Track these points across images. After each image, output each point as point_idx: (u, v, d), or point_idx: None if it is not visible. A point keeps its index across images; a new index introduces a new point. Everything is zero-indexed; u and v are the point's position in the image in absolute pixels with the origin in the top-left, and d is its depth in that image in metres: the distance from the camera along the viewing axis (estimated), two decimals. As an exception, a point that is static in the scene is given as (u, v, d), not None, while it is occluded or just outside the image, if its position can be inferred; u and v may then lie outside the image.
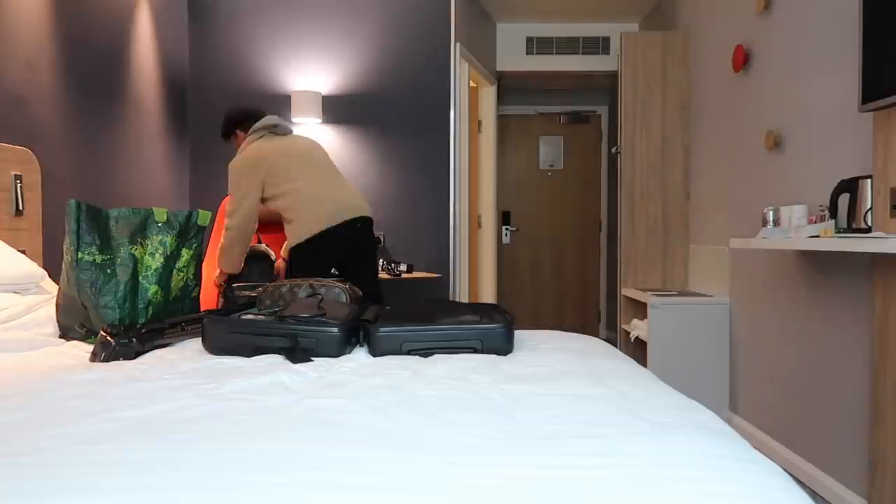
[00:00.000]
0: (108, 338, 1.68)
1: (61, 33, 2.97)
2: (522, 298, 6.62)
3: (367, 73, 4.34)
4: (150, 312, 2.00)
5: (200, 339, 1.77)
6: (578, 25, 5.29)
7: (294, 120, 4.21)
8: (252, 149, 2.80)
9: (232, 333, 1.72)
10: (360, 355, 1.72)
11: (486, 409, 1.18)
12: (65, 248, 1.94)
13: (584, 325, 6.61)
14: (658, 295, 3.60)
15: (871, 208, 2.11)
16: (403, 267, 4.00)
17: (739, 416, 3.37)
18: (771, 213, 2.66)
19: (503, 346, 1.73)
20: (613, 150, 6.04)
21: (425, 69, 4.34)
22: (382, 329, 1.72)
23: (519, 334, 2.03)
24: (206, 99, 4.35)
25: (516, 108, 6.66)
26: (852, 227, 2.19)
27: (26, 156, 2.61)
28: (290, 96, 4.29)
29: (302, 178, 2.76)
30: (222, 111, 4.32)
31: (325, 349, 1.69)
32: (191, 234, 2.14)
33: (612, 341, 5.96)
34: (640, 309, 4.00)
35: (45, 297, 2.12)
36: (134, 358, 1.67)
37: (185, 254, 2.13)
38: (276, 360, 1.62)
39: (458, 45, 4.36)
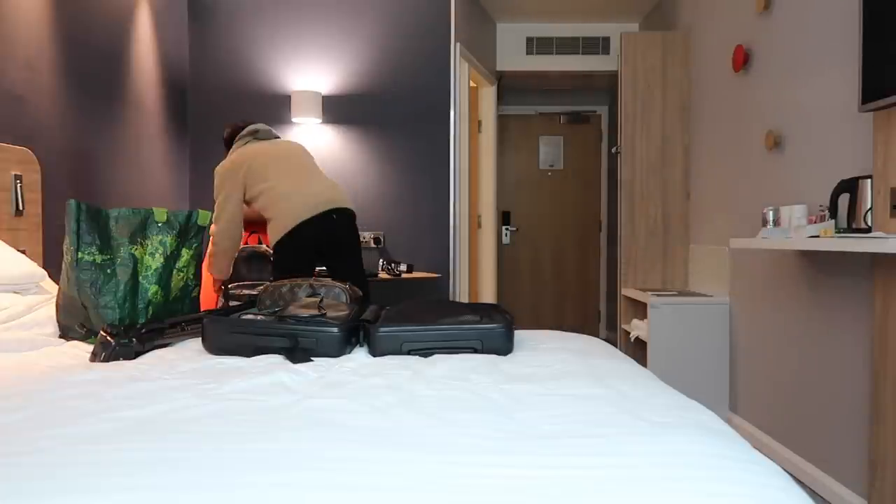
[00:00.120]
0: (108, 338, 1.68)
1: (61, 33, 2.97)
2: (522, 298, 6.62)
3: (367, 73, 4.34)
4: (150, 312, 2.00)
5: (200, 339, 1.77)
6: (578, 25, 5.29)
7: (294, 120, 4.21)
8: (234, 154, 2.88)
9: (232, 333, 1.72)
10: (360, 355, 1.72)
11: (486, 409, 1.18)
12: (65, 248, 1.94)
13: (584, 325, 6.61)
14: (658, 295, 3.60)
15: (871, 208, 2.11)
16: (403, 267, 4.00)
17: (739, 416, 3.37)
18: (771, 213, 2.66)
19: (503, 346, 1.73)
20: (613, 150, 6.04)
21: (425, 69, 4.34)
22: (382, 329, 1.72)
23: (519, 334, 2.03)
24: (206, 99, 4.35)
25: (516, 108, 6.66)
26: (852, 227, 2.19)
27: (26, 156, 2.61)
28: (290, 96, 4.29)
29: (276, 177, 2.78)
30: (222, 111, 4.33)
31: (325, 349, 1.69)
32: (191, 234, 2.14)
33: (612, 341, 5.96)
34: (640, 309, 4.01)
35: (45, 297, 2.12)
36: (134, 358, 1.67)
37: (185, 254, 2.13)
38: (276, 360, 1.62)
39: (458, 45, 4.36)
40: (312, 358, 1.65)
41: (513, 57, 5.34)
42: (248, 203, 2.86)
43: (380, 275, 3.99)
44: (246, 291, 2.95)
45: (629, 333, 4.01)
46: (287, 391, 1.33)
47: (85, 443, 0.98)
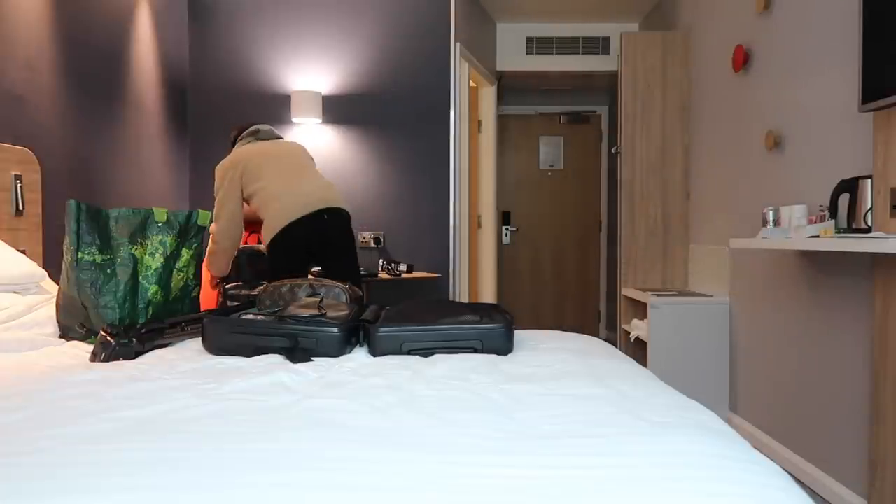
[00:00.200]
0: (108, 338, 1.68)
1: (61, 33, 2.97)
2: (522, 298, 6.62)
3: (367, 73, 4.34)
4: (150, 312, 2.00)
5: (200, 339, 1.77)
6: (578, 25, 5.29)
7: (294, 120, 4.21)
8: (233, 153, 2.90)
9: (232, 333, 1.72)
10: (360, 355, 1.72)
11: (486, 409, 1.18)
12: (65, 248, 1.94)
13: (584, 325, 6.61)
14: (658, 295, 3.60)
15: (871, 208, 2.11)
16: (403, 267, 4.00)
17: (739, 416, 3.37)
18: (771, 213, 2.66)
19: (503, 346, 1.73)
20: (613, 150, 6.04)
21: (425, 69, 4.34)
22: (382, 329, 1.72)
23: (519, 334, 2.03)
24: (206, 99, 4.35)
25: (516, 108, 6.66)
26: (852, 227, 2.19)
27: (26, 156, 2.61)
28: (290, 96, 4.29)
29: (268, 177, 2.79)
30: (222, 111, 4.33)
31: (325, 349, 1.69)
32: (191, 234, 2.14)
33: (612, 341, 5.96)
34: (640, 309, 4.01)
35: (45, 297, 2.12)
36: (134, 358, 1.67)
37: (185, 254, 2.13)
38: (276, 360, 1.62)
39: (458, 45, 4.36)
40: (312, 358, 1.65)
41: (513, 57, 5.34)
42: (246, 201, 2.87)
43: (380, 275, 3.99)
44: (245, 291, 2.95)
45: (629, 333, 4.01)
46: (287, 391, 1.33)
47: (85, 443, 0.98)
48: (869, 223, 2.13)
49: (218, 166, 2.86)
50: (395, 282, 4.24)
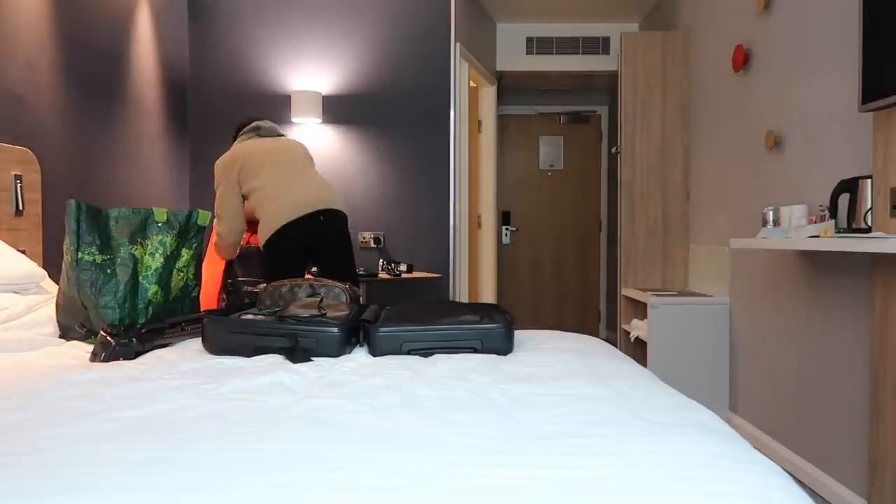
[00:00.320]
0: (108, 338, 1.68)
1: (61, 33, 2.97)
2: (522, 298, 6.62)
3: (367, 73, 4.34)
4: (150, 312, 2.00)
5: (200, 339, 1.77)
6: (578, 25, 5.29)
7: (294, 120, 4.21)
8: (233, 149, 2.90)
9: (232, 333, 1.72)
10: (360, 355, 1.72)
11: (486, 409, 1.18)
12: (65, 248, 1.94)
13: (584, 325, 6.61)
14: (658, 295, 3.60)
15: (871, 208, 2.11)
16: (403, 267, 4.00)
17: (739, 416, 3.37)
18: (771, 213, 2.66)
19: (503, 346, 1.73)
20: (613, 150, 6.04)
21: (425, 69, 4.34)
22: (382, 329, 1.72)
23: (519, 334, 2.03)
24: (206, 99, 4.35)
25: (516, 108, 6.66)
26: (852, 227, 2.19)
27: (26, 156, 2.61)
28: (290, 96, 4.29)
29: (265, 176, 2.79)
30: (222, 111, 4.33)
31: (325, 349, 1.69)
32: (191, 234, 2.14)
33: (612, 341, 5.96)
34: (640, 309, 4.00)
35: (45, 297, 2.12)
36: (134, 358, 1.67)
37: (185, 254, 2.13)
38: (276, 360, 1.62)
39: (458, 45, 4.36)
40: (312, 358, 1.65)
41: (513, 57, 5.34)
42: (244, 198, 2.87)
43: (380, 275, 3.99)
44: (248, 288, 2.95)
45: (629, 333, 4.01)
46: (287, 391, 1.33)
47: (85, 443, 0.98)
48: (869, 223, 2.13)
49: (217, 161, 2.87)
50: (395, 282, 4.23)
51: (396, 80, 4.34)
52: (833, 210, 2.27)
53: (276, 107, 4.32)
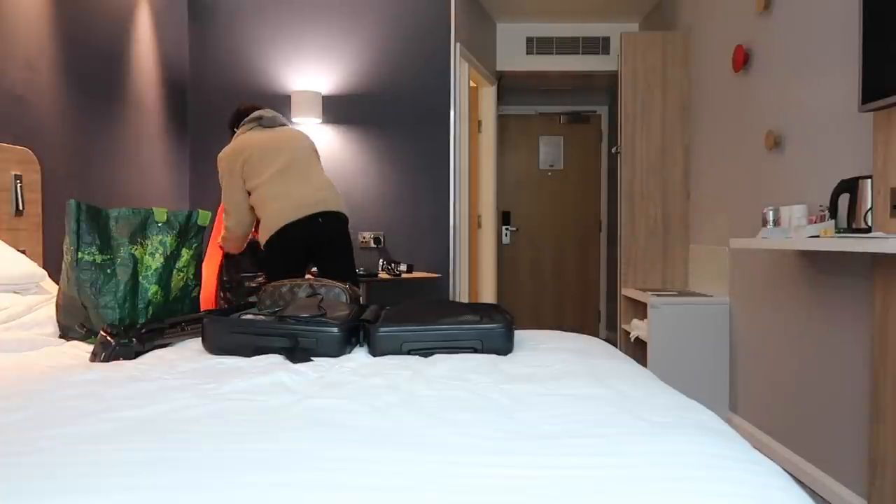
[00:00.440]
0: (108, 338, 1.68)
1: (61, 33, 2.97)
2: (522, 298, 6.62)
3: (367, 73, 4.34)
4: (150, 312, 2.00)
5: (200, 339, 1.77)
6: (578, 25, 5.29)
7: (294, 120, 4.21)
8: (234, 142, 2.87)
9: (232, 333, 1.72)
10: (360, 355, 1.72)
11: (486, 409, 1.18)
12: (65, 248, 1.94)
13: (584, 325, 6.61)
14: (658, 295, 3.60)
15: (871, 208, 2.11)
16: (403, 267, 4.00)
17: (739, 416, 3.37)
18: (771, 213, 2.66)
19: (503, 346, 1.73)
20: (613, 150, 6.04)
21: (425, 69, 4.34)
22: (382, 329, 1.72)
23: (519, 334, 2.03)
24: (206, 99, 4.35)
25: (516, 108, 6.66)
26: (852, 227, 2.19)
27: (26, 156, 2.61)
28: (290, 96, 4.29)
29: (268, 173, 2.77)
30: (222, 111, 4.33)
31: (325, 349, 1.69)
32: (191, 234, 2.15)
33: (612, 341, 5.96)
34: (640, 309, 4.00)
35: (45, 297, 2.12)
36: (134, 358, 1.67)
37: (185, 254, 2.13)
38: (276, 360, 1.62)
39: (458, 45, 4.36)
40: (312, 358, 1.65)
41: (513, 57, 5.34)
42: (248, 193, 2.86)
43: (380, 275, 3.99)
44: (247, 284, 2.96)
45: (629, 333, 4.01)
46: (287, 391, 1.33)
47: (85, 443, 0.98)
48: (869, 223, 2.13)
49: (220, 155, 2.85)
50: (395, 282, 4.23)
51: (396, 80, 4.34)
52: (833, 210, 2.27)
53: (276, 107, 4.32)
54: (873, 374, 2.09)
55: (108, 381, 1.39)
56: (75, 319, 1.96)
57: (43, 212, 2.75)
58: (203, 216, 2.17)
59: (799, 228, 2.43)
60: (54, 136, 2.92)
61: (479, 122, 5.28)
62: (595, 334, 6.55)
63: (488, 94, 5.28)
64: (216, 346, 1.73)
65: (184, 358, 1.67)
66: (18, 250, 2.42)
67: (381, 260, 4.14)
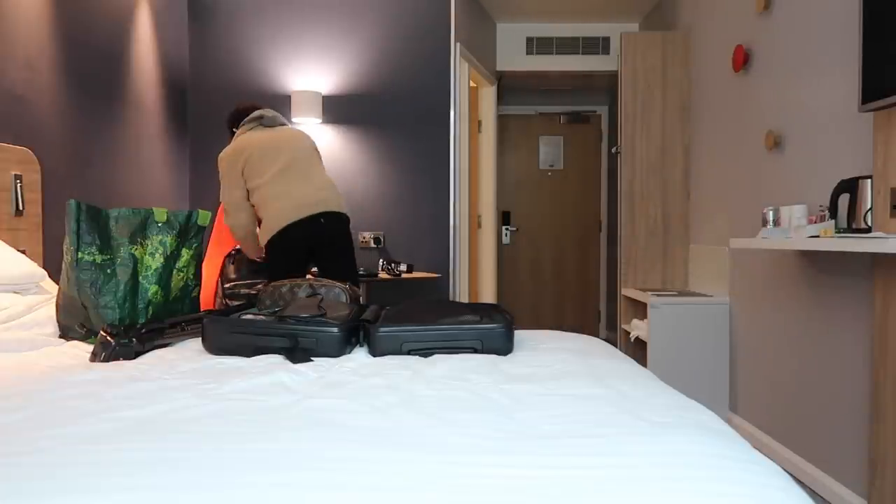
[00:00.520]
0: (108, 338, 1.68)
1: (61, 33, 2.97)
2: (522, 298, 6.62)
3: (367, 73, 4.34)
4: (150, 312, 2.00)
5: (200, 339, 1.77)
6: (578, 25, 5.29)
7: (294, 120, 4.21)
8: (235, 142, 2.86)
9: (232, 333, 1.72)
10: (360, 355, 1.72)
11: (486, 409, 1.18)
12: (65, 248, 1.94)
13: (584, 325, 6.61)
14: (658, 295, 3.60)
15: (871, 208, 2.11)
16: (403, 267, 4.00)
17: (739, 416, 3.37)
18: (771, 213, 2.66)
19: (503, 346, 1.73)
20: (613, 150, 6.04)
21: (425, 69, 4.34)
22: (382, 329, 1.72)
23: (519, 334, 2.03)
24: (206, 99, 4.35)
25: (516, 108, 6.66)
26: (852, 227, 2.19)
27: (26, 156, 2.61)
28: (290, 96, 4.29)
29: (269, 173, 2.77)
30: (222, 111, 4.33)
31: (325, 349, 1.69)
32: (191, 234, 2.15)
33: (612, 341, 5.96)
34: (640, 309, 4.00)
35: (45, 297, 2.12)
36: (134, 358, 1.67)
37: (185, 254, 2.13)
38: (276, 360, 1.62)
39: (458, 45, 4.36)
40: (312, 358, 1.65)
41: (513, 57, 5.34)
42: (249, 193, 2.85)
43: (380, 275, 3.99)
44: (244, 291, 2.95)
45: (629, 333, 4.01)
46: (287, 391, 1.33)
47: (85, 443, 0.98)
48: (869, 223, 2.13)
49: (221, 155, 2.84)
50: (395, 282, 4.23)
51: (396, 80, 4.34)
52: (833, 210, 2.27)
53: (276, 107, 4.32)
54: (873, 374, 2.09)
55: (108, 381, 1.39)
56: (75, 319, 1.96)
57: (43, 212, 2.75)
58: (203, 216, 2.17)
59: (799, 228, 2.43)
60: (54, 136, 2.92)
61: (479, 122, 5.28)
62: (595, 334, 6.55)
63: (488, 94, 5.28)
64: (216, 346, 1.73)
65: (184, 358, 1.67)
66: (18, 250, 2.42)
67: (381, 260, 4.14)
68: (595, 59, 5.30)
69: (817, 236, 2.18)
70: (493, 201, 5.30)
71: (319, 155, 2.97)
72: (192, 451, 0.94)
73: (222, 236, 3.05)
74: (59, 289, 1.98)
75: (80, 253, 1.91)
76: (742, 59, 3.24)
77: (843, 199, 2.32)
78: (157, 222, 2.07)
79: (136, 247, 2.00)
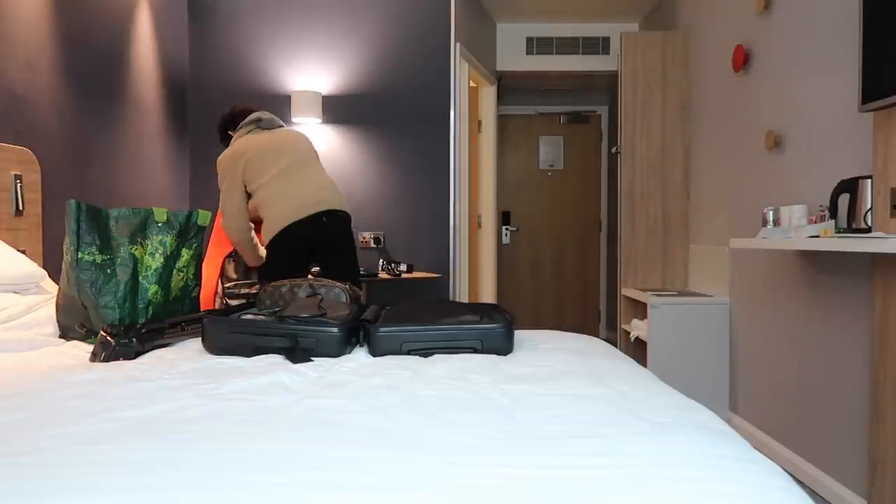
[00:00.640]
0: (108, 338, 1.68)
1: (61, 33, 2.97)
2: (522, 298, 6.62)
3: (367, 73, 4.34)
4: (150, 312, 2.00)
5: (200, 339, 1.77)
6: (578, 25, 5.29)
7: (294, 120, 4.21)
8: (234, 144, 2.86)
9: (232, 333, 1.72)
10: (360, 355, 1.72)
11: (486, 409, 1.18)
12: (65, 248, 1.94)
13: (584, 325, 6.61)
14: (658, 295, 3.60)
15: (871, 208, 2.11)
16: (403, 267, 4.00)
17: (739, 416, 3.37)
18: (771, 213, 2.66)
19: (503, 346, 1.73)
20: (613, 150, 6.04)
21: (425, 69, 4.34)
22: (382, 329, 1.72)
23: (519, 334, 2.03)
24: (206, 99, 4.35)
25: (516, 108, 6.66)
26: (852, 227, 2.19)
27: (26, 156, 2.61)
28: (290, 96, 4.29)
29: (270, 175, 2.77)
30: (222, 111, 4.33)
31: (325, 349, 1.69)
32: (191, 234, 2.14)
33: (612, 341, 5.96)
34: (640, 309, 4.00)
35: (45, 297, 2.12)
36: (134, 358, 1.67)
37: (185, 254, 2.13)
38: (276, 360, 1.62)
39: (458, 45, 4.36)
40: (312, 358, 1.65)
41: (513, 57, 5.34)
42: (248, 195, 2.86)
43: (380, 275, 3.99)
44: (244, 290, 2.95)
45: (629, 333, 4.01)
46: (287, 391, 1.33)
47: (85, 443, 0.98)
48: (869, 223, 2.13)
49: (219, 158, 2.84)
50: (395, 282, 4.23)
51: (396, 79, 4.34)
52: (833, 210, 2.27)
53: (276, 107, 4.32)
54: (873, 374, 2.09)
55: (108, 381, 1.39)
56: (75, 319, 1.96)
57: (43, 212, 2.75)
58: (203, 216, 2.17)
59: (799, 228, 2.43)
60: (54, 136, 2.92)
61: (479, 122, 5.28)
62: (595, 334, 6.55)
63: (488, 94, 5.28)
64: (216, 346, 1.73)
65: (184, 358, 1.67)
66: (18, 250, 2.42)
67: (381, 260, 4.14)
68: (595, 59, 5.30)
69: (817, 236, 2.18)
70: (493, 201, 5.30)
71: (318, 155, 2.98)
72: (192, 451, 0.94)
73: (222, 236, 3.05)
74: (59, 289, 1.98)
75: (80, 253, 1.91)
76: (742, 59, 3.24)
77: (843, 199, 2.32)
78: (157, 222, 2.06)
79: (136, 247, 2.00)
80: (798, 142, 2.78)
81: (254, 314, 1.90)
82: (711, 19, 3.73)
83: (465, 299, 4.71)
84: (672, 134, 4.07)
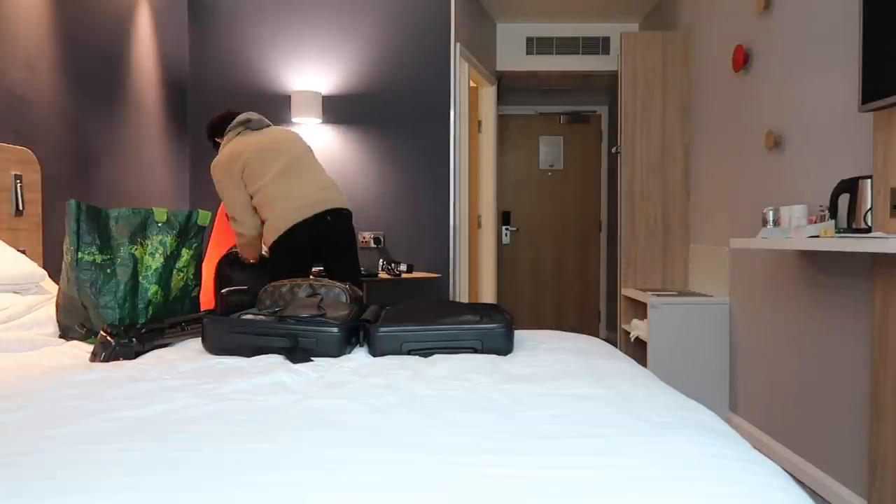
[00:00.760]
0: (108, 338, 1.68)
1: (61, 33, 2.97)
2: (522, 298, 6.62)
3: (367, 73, 4.34)
4: (150, 312, 2.00)
5: (200, 339, 1.77)
6: (578, 25, 5.29)
7: (294, 120, 4.21)
8: (227, 147, 2.83)
9: (232, 333, 1.72)
10: (360, 355, 1.72)
11: (486, 409, 1.18)
12: (65, 248, 1.94)
13: (584, 325, 6.61)
14: (658, 295, 3.60)
15: (871, 208, 2.11)
16: (403, 267, 4.00)
17: (739, 416, 3.37)
18: (771, 213, 2.66)
19: (503, 346, 1.73)
20: (613, 150, 6.04)
21: (425, 69, 4.34)
22: (382, 329, 1.72)
23: (519, 334, 2.03)
24: (206, 99, 4.35)
25: (516, 108, 6.66)
26: (852, 227, 2.19)
27: (26, 156, 2.61)
28: (290, 96, 4.29)
29: (269, 175, 2.75)
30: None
31: (325, 349, 1.69)
32: (191, 234, 2.15)
33: (612, 341, 5.96)
34: (640, 309, 4.00)
35: (45, 297, 2.12)
36: (134, 358, 1.67)
37: (185, 254, 2.13)
38: (276, 360, 1.62)
39: (458, 45, 4.36)
40: (312, 358, 1.65)
41: (513, 57, 5.34)
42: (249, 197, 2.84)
43: (380, 275, 3.99)
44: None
45: (629, 333, 4.01)
46: (287, 391, 1.33)
47: (85, 443, 0.98)
48: (869, 223, 2.13)
49: (214, 164, 2.80)
50: (395, 282, 4.24)
51: (396, 79, 4.34)
52: (833, 210, 2.27)
53: (277, 107, 4.32)
54: (873, 374, 2.09)
55: (108, 381, 1.39)
56: (75, 319, 1.96)
57: (43, 212, 2.75)
58: (203, 216, 2.17)
59: (799, 228, 2.43)
60: (54, 136, 2.92)
61: (479, 122, 5.28)
62: (595, 334, 6.55)
63: (488, 94, 5.28)
64: (216, 346, 1.73)
65: (184, 358, 1.67)
66: (18, 250, 2.42)
67: (381, 260, 4.14)
68: (595, 59, 5.30)
69: (817, 236, 2.18)
70: (493, 201, 5.30)
71: (312, 151, 2.96)
72: (192, 451, 0.94)
73: (222, 236, 3.05)
74: (59, 289, 1.98)
75: (80, 253, 1.91)
76: (742, 59, 3.24)
77: (843, 199, 2.32)
78: (157, 222, 2.07)
79: (136, 247, 2.00)
80: (798, 142, 2.78)
81: (254, 314, 1.90)
82: (711, 19, 3.73)
83: (465, 299, 4.71)
84: (672, 134, 4.07)
